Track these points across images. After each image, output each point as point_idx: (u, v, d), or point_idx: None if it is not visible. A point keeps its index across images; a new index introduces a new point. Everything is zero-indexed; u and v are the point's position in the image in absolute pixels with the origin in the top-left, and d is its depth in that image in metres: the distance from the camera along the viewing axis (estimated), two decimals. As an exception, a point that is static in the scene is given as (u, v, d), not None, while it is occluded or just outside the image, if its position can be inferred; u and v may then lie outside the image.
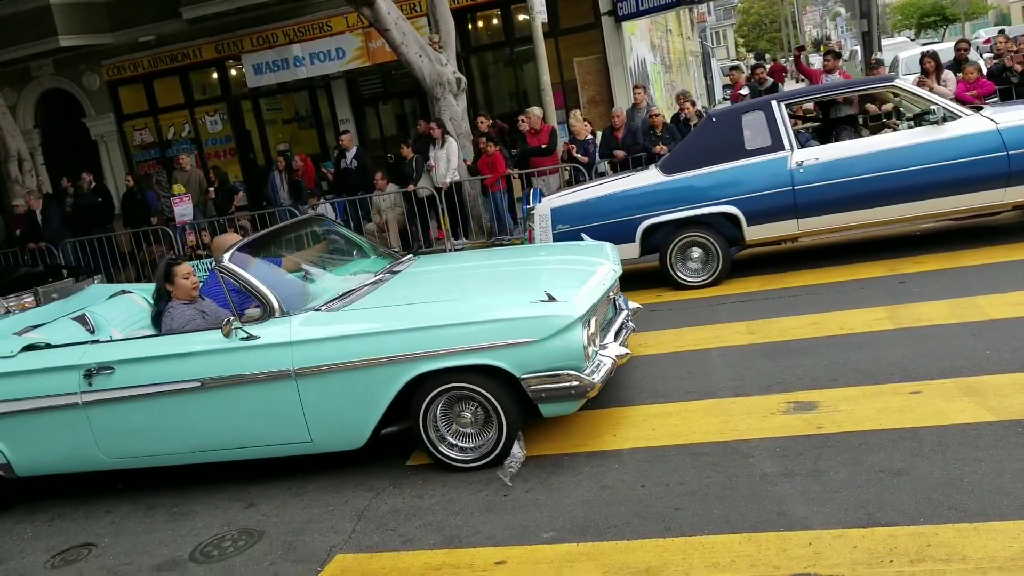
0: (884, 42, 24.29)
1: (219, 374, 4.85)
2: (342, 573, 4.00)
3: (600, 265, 5.53)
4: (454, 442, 4.80)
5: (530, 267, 5.94)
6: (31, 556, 4.75)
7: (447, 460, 4.80)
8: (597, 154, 11.71)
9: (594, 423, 5.07)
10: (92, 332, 5.64)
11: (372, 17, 12.09)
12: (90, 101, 19.01)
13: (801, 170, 7.72)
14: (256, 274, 5.05)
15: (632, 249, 8.01)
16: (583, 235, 7.12)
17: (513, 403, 4.67)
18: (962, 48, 11.83)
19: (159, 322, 5.38)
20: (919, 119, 8.17)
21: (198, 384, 4.88)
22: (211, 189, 14.25)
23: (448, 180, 11.98)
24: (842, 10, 55.17)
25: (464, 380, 4.67)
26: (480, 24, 17.44)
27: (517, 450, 4.76)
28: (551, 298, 4.61)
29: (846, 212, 7.73)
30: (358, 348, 4.70)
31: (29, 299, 8.83)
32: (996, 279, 6.61)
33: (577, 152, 11.62)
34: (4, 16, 17.03)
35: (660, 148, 11.05)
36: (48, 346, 5.33)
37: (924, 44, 29.80)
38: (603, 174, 11.71)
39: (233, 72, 18.29)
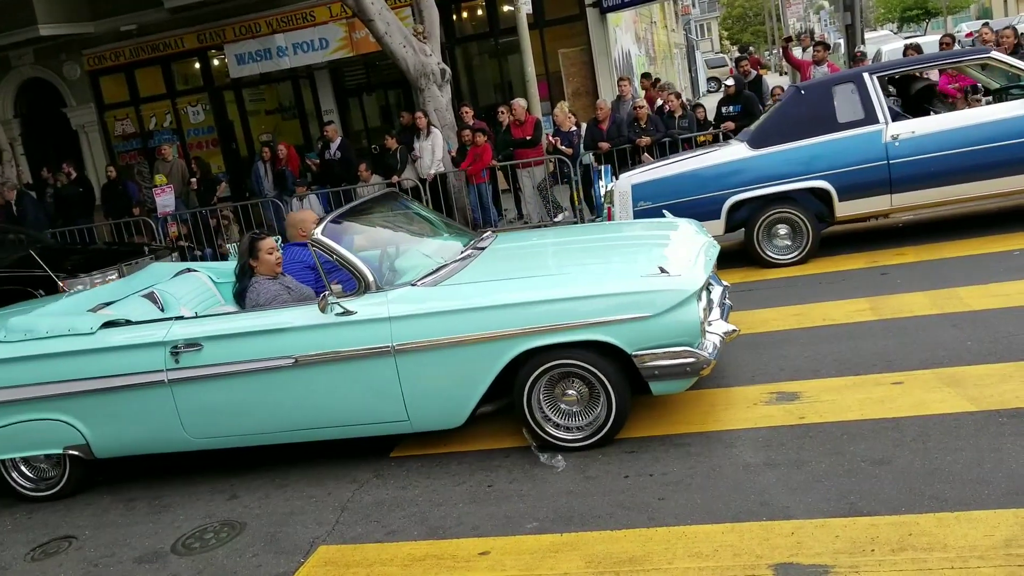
0: (867, 35, 24.39)
1: (314, 351, 4.69)
2: (325, 565, 3.98)
3: (699, 240, 5.40)
4: (558, 421, 4.66)
5: (625, 242, 5.77)
6: (11, 549, 4.71)
7: (553, 440, 4.65)
8: (581, 146, 11.70)
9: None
10: (162, 310, 5.49)
11: (356, 7, 12.00)
12: (71, 91, 18.84)
13: (897, 144, 7.55)
14: (349, 248, 4.91)
15: (717, 226, 7.72)
16: (664, 212, 6.93)
17: (622, 380, 4.55)
18: (946, 43, 11.89)
19: (243, 298, 5.23)
20: (1003, 93, 8.01)
21: (292, 361, 4.72)
22: (193, 180, 14.13)
23: (433, 171, 11.94)
24: (826, 3, 55.35)
25: (572, 357, 4.53)
26: (465, 15, 17.39)
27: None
28: (664, 271, 4.50)
29: (942, 187, 7.56)
30: (462, 324, 4.55)
31: (113, 275, 8.77)
32: (976, 271, 6.65)
33: (561, 144, 11.61)
34: (-18, 4, 16.84)
35: (644, 140, 11.06)
36: (128, 323, 5.14)
37: (907, 37, 29.93)
38: (587, 166, 11.71)
39: (216, 62, 18.16)
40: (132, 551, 4.43)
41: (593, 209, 11.57)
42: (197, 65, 18.48)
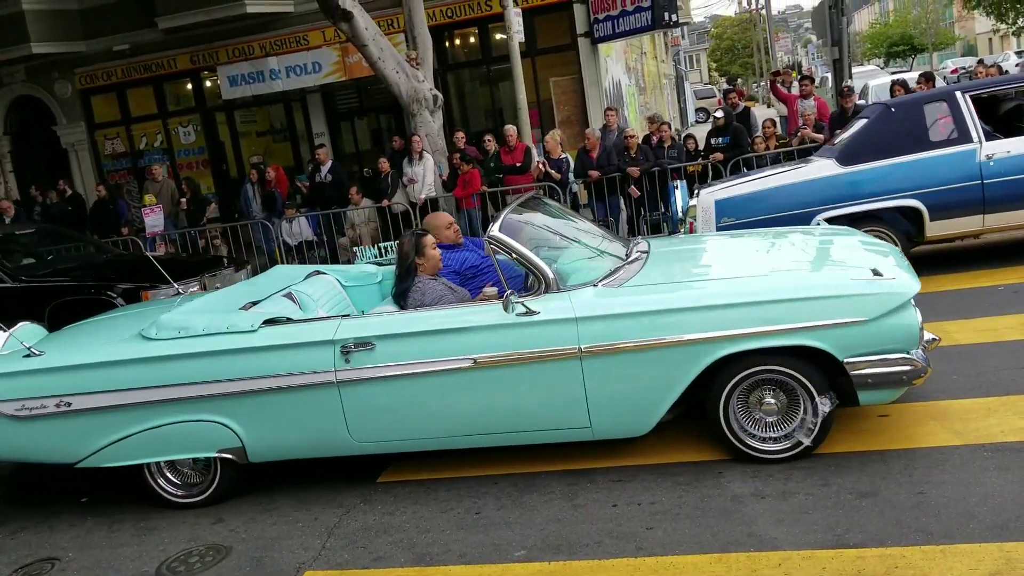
0: (854, 70, 24.70)
1: (495, 352, 4.51)
2: (311, 590, 3.96)
3: (886, 245, 5.21)
4: (753, 431, 4.47)
5: (806, 244, 5.45)
6: (-8, 570, 4.67)
7: (751, 452, 4.46)
8: (571, 174, 11.78)
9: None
10: (301, 310, 5.30)
11: (350, 32, 12.09)
12: (61, 109, 18.83)
13: (992, 163, 7.50)
14: (526, 246, 4.72)
15: None
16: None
17: (828, 388, 4.36)
18: (921, 83, 12.06)
19: (404, 299, 5.08)
20: None
21: (471, 363, 4.53)
22: (183, 200, 14.14)
23: (424, 196, 11.99)
24: (813, 38, 56.07)
25: (775, 363, 4.34)
26: (457, 42, 17.52)
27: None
28: (878, 274, 4.33)
29: None
30: (658, 326, 4.36)
31: (195, 286, 8.76)
32: (962, 306, 6.72)
33: (551, 169, 11.68)
34: (-24, 22, 16.86)
35: (634, 171, 11.14)
36: (288, 321, 4.97)
37: (893, 73, 30.33)
38: (575, 194, 11.78)
39: (208, 83, 18.21)
40: (116, 574, 4.40)
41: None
42: (189, 86, 18.52)
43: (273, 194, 13.49)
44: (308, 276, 5.92)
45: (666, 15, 16.14)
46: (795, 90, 13.78)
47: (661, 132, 11.71)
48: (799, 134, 11.10)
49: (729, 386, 4.41)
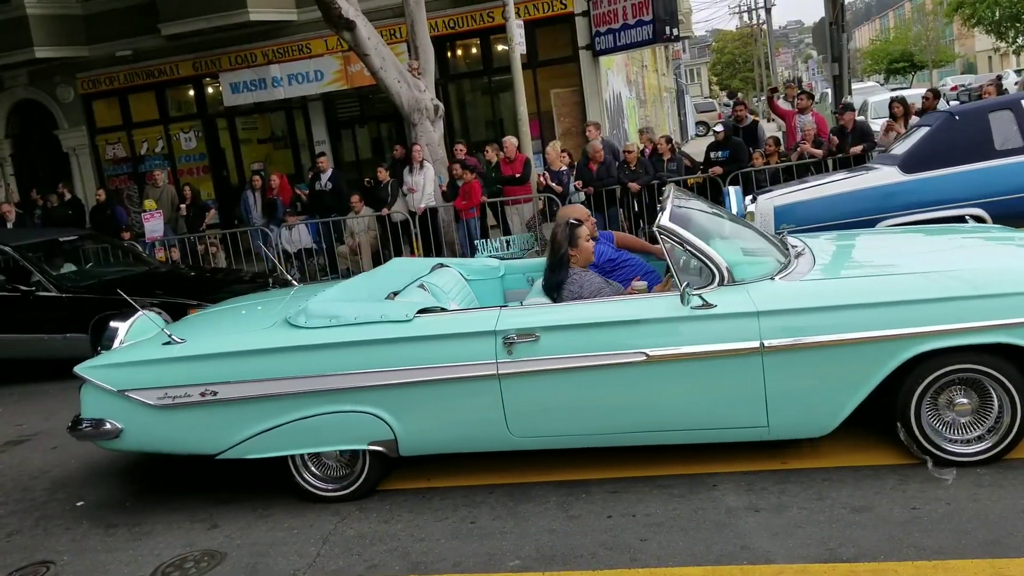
0: (854, 86, 24.80)
1: (669, 346, 4.35)
2: (306, 597, 3.97)
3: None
4: (946, 434, 4.32)
5: (982, 241, 5.35)
6: (-13, 573, 4.67)
7: (944, 455, 4.29)
8: (572, 184, 11.82)
9: (562, 450, 5.08)
10: (436, 302, 5.14)
11: (352, 41, 12.15)
12: (63, 113, 18.89)
13: None
14: (698, 237, 4.56)
15: None
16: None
17: None
18: (927, 97, 12.13)
19: (559, 291, 4.89)
20: None
21: (643, 357, 4.36)
22: (183, 206, 14.17)
23: (423, 205, 12.03)
24: (814, 53, 56.28)
25: (971, 361, 4.18)
26: (459, 52, 17.60)
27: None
28: None
29: None
30: (849, 321, 4.20)
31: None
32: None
33: (551, 182, 11.72)
34: (-22, 25, 16.93)
35: (634, 186, 11.18)
36: (443, 310, 4.87)
37: (893, 89, 30.47)
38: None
39: (210, 90, 18.28)
40: (110, 578, 4.40)
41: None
42: (191, 92, 18.58)
43: (275, 201, 13.53)
44: (433, 269, 5.77)
45: (667, 29, 16.22)
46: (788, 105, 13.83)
47: (657, 145, 11.76)
48: (798, 149, 11.15)
49: (923, 386, 4.25)
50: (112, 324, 5.40)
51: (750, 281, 4.45)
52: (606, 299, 4.71)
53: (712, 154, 11.54)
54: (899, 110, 11.28)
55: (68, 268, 9.86)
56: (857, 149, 10.55)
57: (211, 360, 4.81)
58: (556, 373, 4.47)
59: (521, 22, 13.69)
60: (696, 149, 13.20)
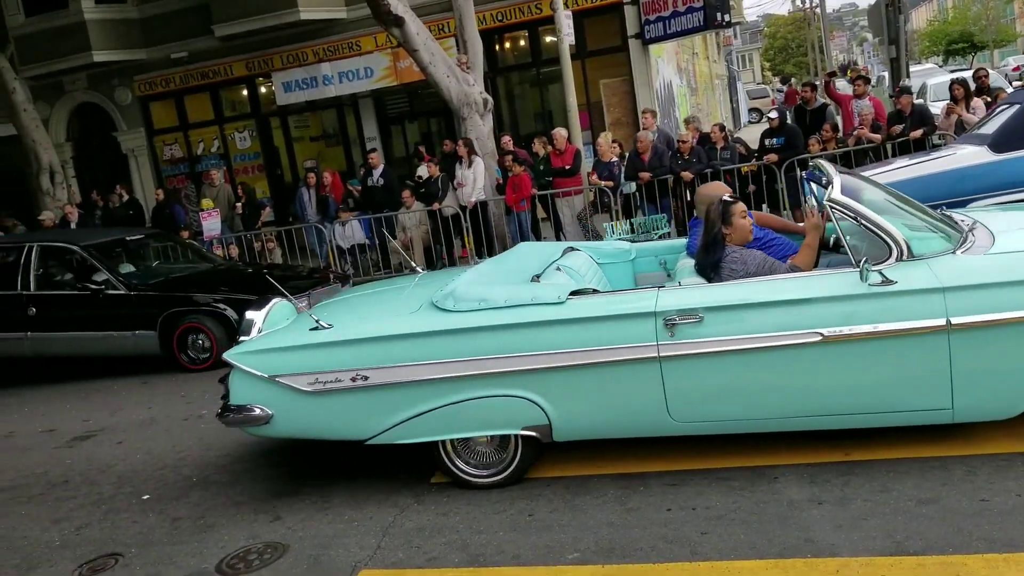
0: (912, 68, 24.23)
1: (847, 325, 4.16)
2: (367, 589, 4.01)
3: None
4: None
5: None
6: (59, 565, 4.79)
7: None
8: (623, 176, 11.74)
9: (619, 445, 5.05)
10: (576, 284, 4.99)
11: (401, 37, 12.22)
12: (122, 115, 19.33)
13: None
14: (871, 210, 4.38)
15: None
16: None
17: None
18: (982, 76, 11.79)
19: (716, 270, 4.67)
20: None
21: (818, 337, 4.18)
22: (238, 204, 14.40)
23: (474, 199, 12.06)
24: (869, 36, 55.12)
25: None
26: (507, 45, 17.59)
27: None
28: None
29: None
30: None
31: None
32: None
33: (602, 174, 11.66)
34: (39, 31, 17.40)
35: (687, 175, 11.07)
36: (595, 292, 4.76)
37: (952, 71, 29.68)
38: (628, 195, 11.74)
39: (263, 89, 18.54)
40: (177, 570, 4.49)
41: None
42: (245, 92, 18.88)
43: (327, 198, 13.68)
44: (565, 252, 5.62)
45: (718, 15, 16.01)
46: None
47: (703, 133, 11.62)
48: (855, 134, 10.93)
49: None
50: (248, 314, 5.41)
51: (929, 256, 4.25)
52: (774, 277, 4.50)
53: (767, 141, 11.37)
54: (960, 92, 10.98)
55: (135, 266, 10.08)
56: (917, 133, 10.31)
57: (361, 345, 4.76)
58: (722, 355, 4.31)
59: (569, 12, 13.65)
60: (749, 136, 13.00)
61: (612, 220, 11.65)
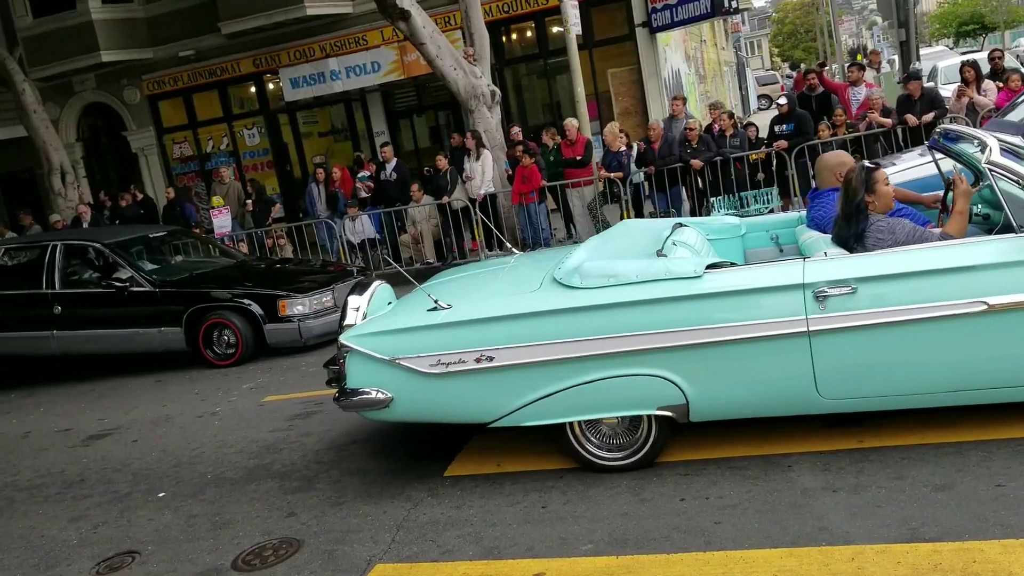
0: (922, 51, 24.04)
1: (1015, 293, 3.99)
2: (382, 583, 4.01)
3: None
4: None
5: None
6: (77, 563, 4.82)
7: None
8: (632, 165, 11.70)
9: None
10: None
11: (407, 31, 12.21)
12: (131, 115, 19.40)
13: None
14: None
15: None
16: None
17: None
18: (996, 57, 11.67)
19: (860, 241, 4.49)
20: None
21: (983, 307, 4.00)
22: (249, 201, 14.44)
23: (483, 192, 12.04)
24: (879, 19, 54.70)
25: None
26: (514, 36, 17.56)
27: None
28: None
29: None
30: None
31: (328, 298, 9.07)
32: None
33: (611, 164, 11.62)
34: (47, 32, 17.48)
35: (696, 163, 11.02)
36: (732, 265, 4.61)
37: (963, 53, 29.43)
38: (637, 185, 11.71)
39: (271, 86, 18.57)
40: (193, 567, 4.52)
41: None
42: (253, 89, 18.91)
43: (336, 194, 13.71)
44: (674, 228, 5.40)
45: (726, 1, 15.94)
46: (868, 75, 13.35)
47: (721, 121, 11.55)
48: (867, 119, 10.85)
49: None
50: (350, 299, 5.27)
51: None
52: (930, 245, 4.29)
53: (776, 128, 11.31)
54: (971, 74, 10.89)
55: (159, 264, 10.16)
56: (928, 117, 10.23)
57: (485, 324, 4.61)
58: (877, 328, 4.12)
59: (576, 2, 13.59)
60: (758, 123, 12.91)
61: (622, 211, 11.63)
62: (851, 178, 4.66)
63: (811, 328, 4.17)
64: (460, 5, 13.32)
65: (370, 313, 5.15)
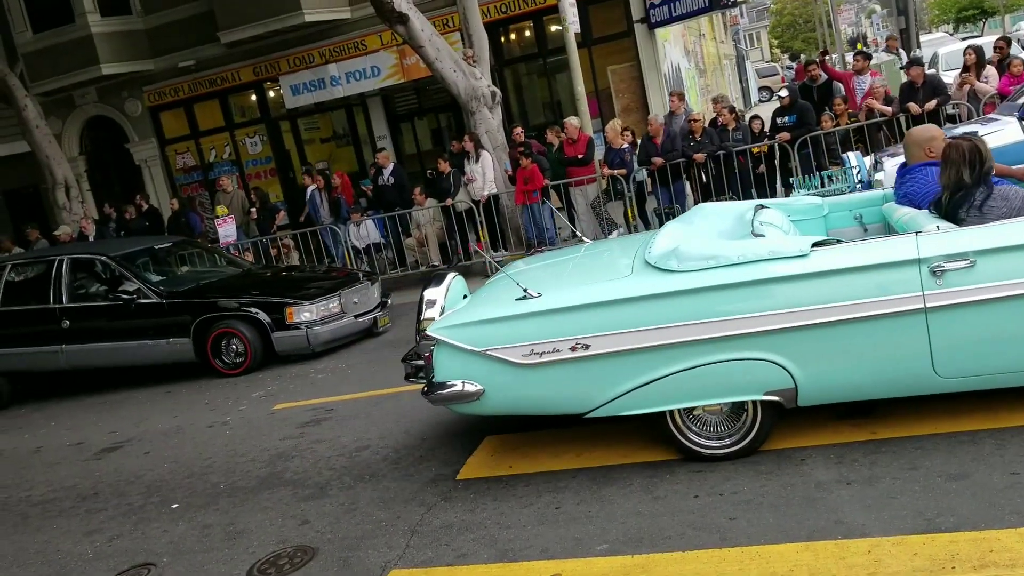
0: (922, 38, 23.95)
1: None
2: (398, 589, 4.01)
3: None
4: None
5: None
6: (93, 576, 4.84)
7: None
8: (635, 162, 11.68)
9: (643, 434, 5.03)
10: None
11: (406, 34, 12.20)
12: (133, 127, 19.43)
13: None
14: None
15: None
16: None
17: None
18: (1000, 46, 11.62)
19: (973, 212, 4.40)
20: None
21: None
22: (253, 209, 14.46)
23: (486, 193, 12.04)
24: (878, 7, 54.53)
25: None
26: (513, 36, 17.54)
27: None
28: None
29: None
30: None
31: (335, 304, 9.12)
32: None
33: (613, 162, 11.59)
34: (48, 47, 17.51)
35: (699, 156, 10.99)
36: (839, 242, 4.47)
37: (964, 38, 29.31)
38: (641, 183, 11.68)
39: (271, 94, 18.58)
40: (209, 577, 4.52)
41: (648, 225, 11.55)
42: (253, 97, 18.92)
43: (339, 200, 13.71)
44: (758, 209, 5.24)
45: (724, -5, 15.89)
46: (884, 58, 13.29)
47: (723, 115, 11.52)
48: (866, 105, 10.82)
49: None
50: (426, 292, 5.18)
51: None
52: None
53: (778, 120, 11.27)
54: (971, 58, 10.86)
55: (166, 275, 10.18)
56: (931, 105, 10.19)
57: (579, 312, 4.48)
58: (999, 302, 3.98)
59: (574, 1, 13.56)
60: (762, 116, 12.87)
61: (625, 208, 11.59)
62: (950, 152, 4.57)
63: (928, 304, 4.04)
64: (458, 7, 13.32)
65: (447, 306, 5.07)
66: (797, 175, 10.89)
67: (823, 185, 8.24)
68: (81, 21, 17.35)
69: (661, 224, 11.08)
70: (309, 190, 14.25)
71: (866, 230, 5.41)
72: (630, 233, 11.58)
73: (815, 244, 4.30)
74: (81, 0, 17.31)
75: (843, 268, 4.16)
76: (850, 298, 4.11)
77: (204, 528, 5.17)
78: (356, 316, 9.33)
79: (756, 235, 4.59)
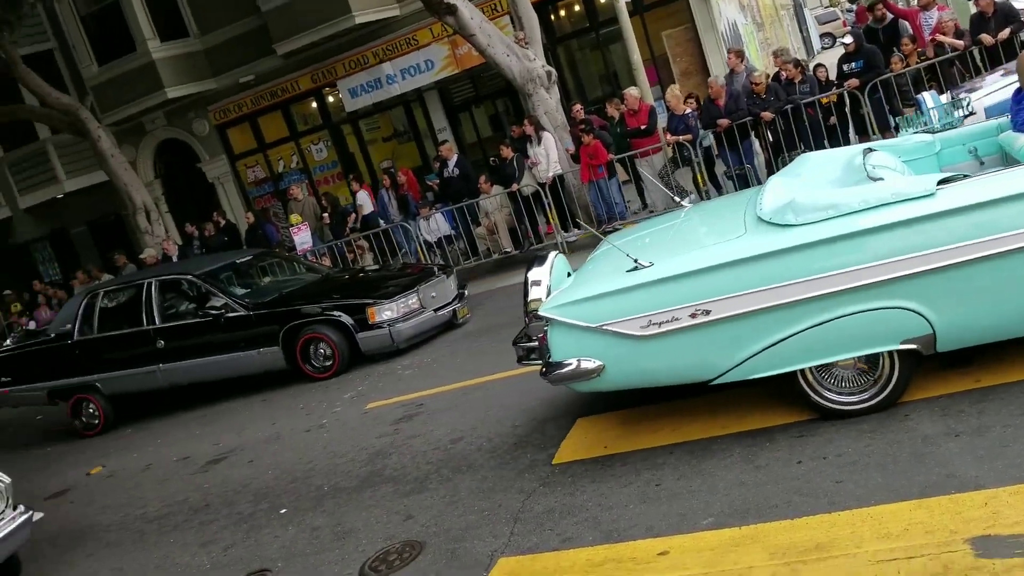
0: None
1: None
2: (507, 577, 4.05)
3: None
4: None
5: None
6: (213, 586, 5.02)
7: None
8: (699, 126, 11.47)
9: (737, 403, 4.96)
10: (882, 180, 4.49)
11: (456, 24, 12.20)
12: (203, 146, 19.91)
13: None
14: None
15: None
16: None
17: None
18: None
19: None
20: None
21: None
22: (325, 215, 14.69)
23: (550, 175, 11.99)
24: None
25: None
26: (563, 13, 17.38)
27: None
28: None
29: None
30: None
31: (414, 300, 9.31)
32: None
33: (677, 128, 11.41)
34: (113, 77, 18.06)
35: (767, 115, 10.74)
36: (965, 177, 4.31)
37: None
38: (708, 147, 11.47)
39: (331, 99, 18.81)
40: (323, 579, 4.64)
41: (720, 189, 11.35)
42: (314, 104, 19.19)
43: (405, 196, 13.83)
44: (867, 152, 5.00)
45: (774, -55, 15.42)
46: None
47: (787, 69, 11.20)
48: (935, 41, 10.39)
49: None
50: (531, 274, 5.17)
51: None
52: None
53: (845, 67, 10.90)
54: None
55: (249, 287, 10.44)
56: (1005, 34, 9.75)
57: (695, 278, 4.38)
58: None
59: (621, -31, 13.35)
60: (827, 62, 12.48)
61: (695, 174, 11.41)
62: None
63: None
64: (505, -10, 13.27)
65: (553, 285, 5.07)
66: (870, 121, 10.58)
67: (932, 121, 7.78)
68: (142, 49, 17.83)
69: (734, 187, 10.97)
70: (359, 195, 14.47)
71: (983, 163, 5.17)
72: (702, 200, 11.41)
73: (940, 182, 4.12)
74: (140, 28, 17.79)
75: (974, 204, 3.97)
76: (984, 235, 3.93)
77: (313, 530, 5.30)
78: (435, 310, 9.41)
79: (874, 179, 4.39)
